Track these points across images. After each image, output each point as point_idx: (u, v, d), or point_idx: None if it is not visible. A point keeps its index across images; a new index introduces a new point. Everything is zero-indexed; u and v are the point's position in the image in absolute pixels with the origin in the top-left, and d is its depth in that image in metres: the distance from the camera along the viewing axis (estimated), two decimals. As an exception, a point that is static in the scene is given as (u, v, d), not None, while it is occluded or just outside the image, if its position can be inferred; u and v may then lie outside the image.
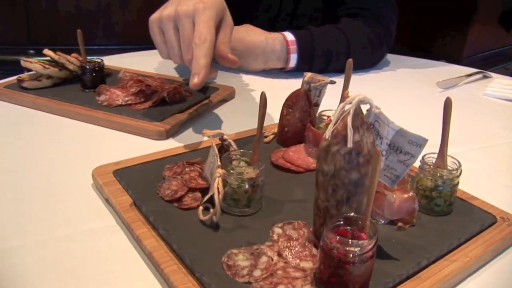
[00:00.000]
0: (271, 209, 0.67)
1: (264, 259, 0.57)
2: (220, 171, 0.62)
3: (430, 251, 0.60)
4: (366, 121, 0.56)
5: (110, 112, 0.96)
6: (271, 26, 1.38)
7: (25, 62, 1.06)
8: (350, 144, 0.55)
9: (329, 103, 0.85)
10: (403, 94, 1.23)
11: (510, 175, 0.87)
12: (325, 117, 0.82)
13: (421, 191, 0.69)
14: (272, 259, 0.57)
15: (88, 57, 1.08)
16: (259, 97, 0.64)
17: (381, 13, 1.37)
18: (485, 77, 1.39)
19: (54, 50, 1.07)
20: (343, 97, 0.82)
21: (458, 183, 0.69)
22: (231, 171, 0.64)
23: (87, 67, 1.05)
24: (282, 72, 1.32)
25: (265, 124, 0.94)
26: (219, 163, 0.63)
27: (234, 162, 0.66)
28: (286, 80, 1.28)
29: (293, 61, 1.27)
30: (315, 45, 1.26)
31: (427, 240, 0.63)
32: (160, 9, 0.91)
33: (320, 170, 0.58)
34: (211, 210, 0.65)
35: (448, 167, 0.69)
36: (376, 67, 1.41)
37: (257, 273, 0.55)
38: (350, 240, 0.52)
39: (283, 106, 0.84)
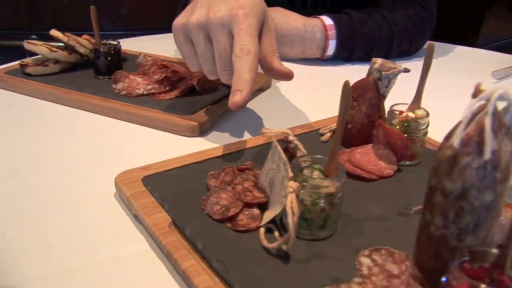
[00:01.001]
0: (347, 230, 0.51)
1: None
2: (293, 184, 0.46)
3: None
4: (504, 123, 0.40)
5: (130, 103, 0.79)
6: (303, 6, 1.22)
7: (29, 44, 0.89)
8: (487, 155, 0.39)
9: (397, 96, 0.69)
10: (458, 85, 1.07)
11: None
12: (397, 112, 0.65)
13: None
14: (371, 306, 0.41)
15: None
16: (343, 86, 0.47)
17: None
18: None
19: (63, 32, 0.90)
20: (420, 90, 0.66)
21: None
22: (304, 184, 0.48)
23: (102, 50, 0.88)
24: (318, 60, 1.15)
25: (313, 119, 0.79)
26: (290, 173, 0.47)
27: (305, 171, 0.50)
28: (324, 67, 1.11)
29: (331, 48, 1.10)
30: (356, 30, 1.10)
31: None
32: (185, 12, 0.71)
33: (440, 188, 0.41)
34: (276, 233, 0.49)
35: None
36: (418, 54, 1.24)
37: None
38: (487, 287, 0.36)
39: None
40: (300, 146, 0.54)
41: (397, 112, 0.65)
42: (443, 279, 0.39)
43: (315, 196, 0.48)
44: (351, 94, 0.66)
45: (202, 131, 0.74)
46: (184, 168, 0.60)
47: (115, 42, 0.90)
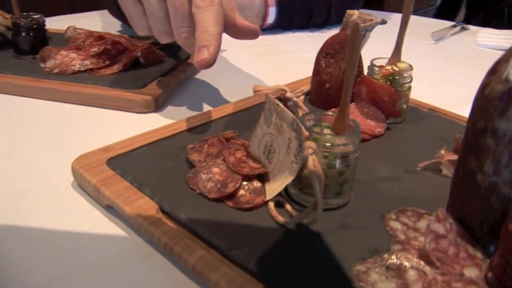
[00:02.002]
0: (361, 195, 0.44)
1: (412, 274, 0.34)
2: (311, 144, 0.37)
3: None
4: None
5: (67, 81, 0.66)
6: None
7: None
8: (548, 85, 0.33)
9: (374, 50, 0.63)
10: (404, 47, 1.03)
11: None
12: (377, 67, 0.58)
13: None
14: (424, 272, 0.34)
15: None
16: (352, 30, 0.39)
17: None
18: (463, 29, 1.26)
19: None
20: (399, 42, 0.60)
21: None
22: (317, 143, 0.39)
23: (22, 24, 0.73)
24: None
25: (274, 83, 0.71)
26: (305, 132, 0.38)
27: (315, 130, 0.41)
28: (265, 36, 1.03)
29: (271, 16, 1.02)
30: None
31: None
32: None
33: (490, 129, 0.35)
34: (288, 206, 0.41)
35: None
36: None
37: None
38: None
39: (318, 57, 0.60)
40: (301, 103, 0.46)
41: (377, 66, 0.59)
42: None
43: (331, 158, 0.40)
44: (325, 51, 0.59)
45: (157, 105, 0.63)
46: (153, 145, 0.50)
47: (37, 16, 0.75)
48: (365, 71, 0.60)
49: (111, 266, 0.37)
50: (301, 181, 0.40)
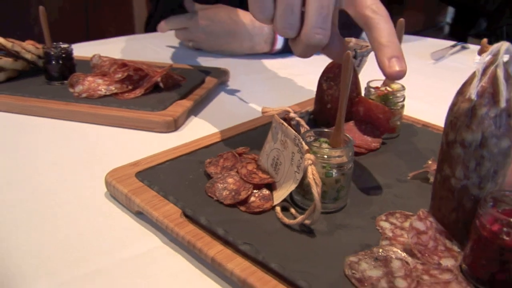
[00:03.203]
0: (357, 200, 0.51)
1: (396, 263, 0.41)
2: (310, 156, 0.45)
3: None
4: (510, 74, 0.42)
5: (94, 104, 0.74)
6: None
7: (-34, 53, 0.82)
8: (503, 104, 0.40)
9: (371, 73, 0.71)
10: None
11: None
12: (373, 89, 0.66)
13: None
14: (407, 262, 0.41)
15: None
16: (344, 59, 0.47)
17: None
18: (463, 48, 1.33)
19: (4, 37, 0.83)
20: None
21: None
22: (316, 156, 0.47)
23: (53, 53, 0.81)
24: (267, 54, 1.15)
25: (282, 104, 0.79)
26: (305, 146, 0.45)
27: (314, 145, 0.49)
28: (275, 60, 1.11)
29: (280, 42, 1.10)
30: None
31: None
32: None
33: (459, 141, 0.42)
34: (292, 210, 0.48)
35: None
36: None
37: (400, 284, 0.39)
38: None
39: (320, 80, 0.68)
40: (303, 122, 0.53)
41: (372, 89, 0.66)
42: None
43: (328, 167, 0.47)
44: (326, 75, 0.67)
45: (177, 126, 0.71)
46: (176, 160, 0.57)
47: (65, 45, 0.84)
48: (363, 92, 0.68)
49: (143, 261, 0.44)
50: (303, 188, 0.48)
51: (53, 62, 0.82)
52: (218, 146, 0.61)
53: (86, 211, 0.52)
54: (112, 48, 1.15)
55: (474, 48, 1.30)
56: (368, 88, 0.66)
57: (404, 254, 0.43)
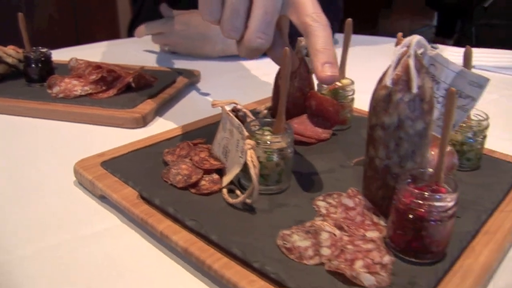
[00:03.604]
0: (301, 183, 0.57)
1: (325, 235, 0.47)
2: (250, 142, 0.50)
3: (482, 204, 0.54)
4: (424, 65, 0.47)
5: (70, 104, 0.80)
6: None
7: (-50, 58, 0.87)
8: (415, 89, 0.46)
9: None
10: (373, 69, 1.16)
11: (504, 128, 0.83)
12: (325, 84, 0.72)
13: (451, 147, 0.61)
14: (335, 234, 0.47)
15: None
16: (283, 55, 0.53)
17: None
18: (433, 48, 1.38)
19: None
20: (343, 62, 0.73)
21: (486, 135, 0.62)
22: (258, 142, 0.52)
23: (32, 56, 0.87)
24: (237, 56, 1.20)
25: (248, 101, 0.84)
26: (246, 133, 0.51)
27: (257, 132, 0.54)
28: (246, 61, 1.17)
29: None
30: None
31: (473, 194, 0.56)
32: None
33: (379, 124, 0.48)
34: (237, 191, 0.53)
35: (473, 118, 0.63)
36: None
37: (325, 252, 0.44)
38: (430, 194, 0.43)
39: (276, 78, 0.73)
40: (248, 113, 0.59)
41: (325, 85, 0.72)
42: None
43: (269, 152, 0.52)
44: None
45: (145, 122, 0.77)
46: (138, 151, 0.63)
47: (44, 50, 0.89)
48: (316, 88, 0.73)
49: (102, 237, 0.50)
50: (248, 172, 0.53)
51: (33, 65, 0.87)
52: (178, 139, 0.66)
53: (56, 195, 0.57)
54: (94, 52, 1.20)
55: (443, 48, 1.36)
56: (320, 84, 0.71)
57: (333, 228, 0.48)
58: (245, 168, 0.52)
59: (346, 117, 0.72)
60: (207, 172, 0.55)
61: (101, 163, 0.59)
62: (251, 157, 0.49)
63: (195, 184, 0.53)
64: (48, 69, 0.89)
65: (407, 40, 0.47)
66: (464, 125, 0.61)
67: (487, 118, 0.62)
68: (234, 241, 0.45)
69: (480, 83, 0.50)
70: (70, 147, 0.69)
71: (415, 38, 0.47)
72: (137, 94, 0.83)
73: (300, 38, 0.71)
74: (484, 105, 0.93)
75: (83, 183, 0.58)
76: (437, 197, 0.43)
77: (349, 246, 0.45)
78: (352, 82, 0.71)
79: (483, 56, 1.25)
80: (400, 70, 0.47)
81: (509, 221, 0.52)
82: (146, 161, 0.60)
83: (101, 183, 0.55)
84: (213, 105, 0.56)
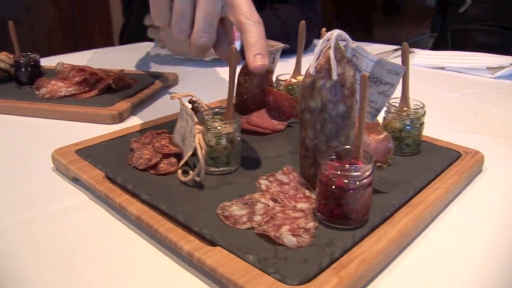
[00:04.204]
0: (250, 166, 0.64)
1: (260, 206, 0.54)
2: (199, 127, 0.58)
3: (413, 183, 0.60)
4: (345, 55, 0.55)
5: (56, 103, 0.88)
6: None
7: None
8: (335, 76, 0.53)
9: (283, 70, 0.84)
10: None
11: (458, 122, 0.90)
12: (283, 81, 0.79)
13: (391, 134, 0.68)
14: (268, 205, 0.54)
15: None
16: (229, 52, 0.60)
17: None
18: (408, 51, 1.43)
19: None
20: (298, 61, 0.80)
21: (423, 122, 0.69)
22: (208, 128, 0.60)
23: (22, 61, 0.96)
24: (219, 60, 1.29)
25: (217, 99, 0.91)
26: (196, 119, 0.58)
27: (208, 119, 0.62)
28: (223, 67, 1.24)
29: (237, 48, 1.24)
30: None
31: (407, 175, 0.62)
32: None
33: (306, 108, 0.55)
34: (191, 172, 0.60)
35: (412, 108, 0.69)
36: (308, 50, 1.41)
37: (257, 218, 0.51)
38: (348, 166, 0.50)
39: (239, 75, 0.81)
40: (203, 103, 0.66)
41: (282, 81, 0.79)
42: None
43: (218, 137, 0.60)
44: (243, 71, 0.80)
45: (122, 118, 0.85)
46: (110, 141, 0.70)
47: (33, 55, 0.98)
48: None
49: (73, 212, 0.57)
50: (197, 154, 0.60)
51: (23, 69, 0.96)
52: (145, 131, 0.73)
53: (36, 179, 0.65)
54: (89, 58, 1.30)
55: (416, 51, 1.43)
56: (277, 80, 0.79)
57: (268, 200, 0.55)
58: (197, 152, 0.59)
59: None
60: (166, 156, 0.62)
61: (75, 151, 0.67)
62: (198, 140, 0.56)
63: (154, 166, 0.61)
64: (37, 73, 0.97)
65: (328, 33, 0.54)
66: (403, 113, 0.68)
67: (423, 107, 0.69)
68: (180, 210, 0.52)
69: (397, 71, 0.57)
70: (52, 141, 0.76)
71: (335, 32, 0.54)
72: (116, 95, 0.91)
73: None
74: (445, 102, 1.01)
75: (58, 168, 0.66)
76: (353, 168, 0.50)
77: (279, 214, 0.52)
78: (306, 79, 0.79)
79: (452, 59, 1.32)
80: (322, 59, 0.54)
81: (433, 197, 0.58)
82: (116, 149, 0.67)
83: (73, 166, 0.63)
84: (172, 97, 0.64)
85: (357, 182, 0.50)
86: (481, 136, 0.83)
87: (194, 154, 0.58)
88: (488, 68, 1.23)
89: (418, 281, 0.48)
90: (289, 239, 0.48)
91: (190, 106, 0.64)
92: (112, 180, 0.60)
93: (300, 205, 0.54)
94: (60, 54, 1.30)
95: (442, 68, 1.30)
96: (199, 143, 0.56)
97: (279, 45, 0.79)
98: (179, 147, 0.64)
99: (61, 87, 0.90)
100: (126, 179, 0.59)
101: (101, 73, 0.92)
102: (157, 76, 1.04)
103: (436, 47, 1.98)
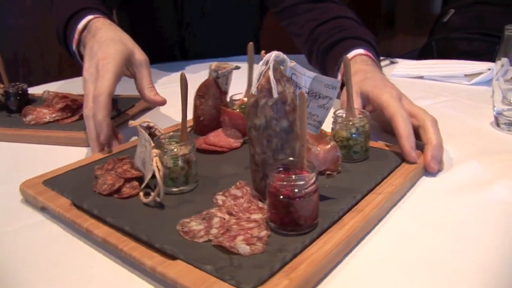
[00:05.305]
0: (207, 184, 0.60)
1: (216, 220, 0.51)
2: (155, 151, 0.54)
3: (360, 188, 0.57)
4: (284, 74, 0.51)
5: (38, 129, 0.85)
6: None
7: None
8: (275, 95, 0.50)
9: (237, 89, 0.79)
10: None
11: None
12: (236, 101, 0.75)
13: (339, 143, 0.65)
14: (224, 218, 0.50)
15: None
16: (180, 79, 0.57)
17: None
18: (392, 62, 1.28)
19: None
20: (250, 80, 0.75)
21: (368, 129, 0.66)
22: (165, 151, 0.56)
23: (11, 91, 0.93)
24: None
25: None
26: (152, 144, 0.54)
27: (164, 143, 0.58)
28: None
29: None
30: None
31: (355, 181, 0.59)
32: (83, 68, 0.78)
33: (252, 126, 0.52)
34: (152, 193, 0.56)
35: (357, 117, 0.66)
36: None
37: (214, 231, 0.49)
38: (293, 176, 0.48)
39: (194, 98, 0.76)
40: (160, 129, 0.62)
41: (236, 101, 0.75)
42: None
43: (174, 158, 0.56)
44: (198, 93, 0.75)
45: (97, 141, 0.80)
46: (76, 169, 0.66)
47: (22, 84, 0.95)
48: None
49: (38, 231, 0.53)
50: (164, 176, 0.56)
51: (12, 99, 0.92)
52: (109, 158, 0.68)
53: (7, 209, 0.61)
54: (62, 88, 1.22)
55: (400, 61, 1.27)
56: (231, 100, 0.75)
57: (224, 214, 0.51)
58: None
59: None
60: (128, 180, 0.58)
61: (43, 182, 0.62)
62: (156, 163, 0.53)
63: (117, 191, 0.57)
64: (25, 101, 0.94)
65: (267, 56, 0.51)
66: (349, 123, 0.65)
67: (366, 116, 0.66)
68: (143, 230, 0.49)
69: (334, 85, 0.54)
70: (29, 167, 0.73)
71: (273, 54, 0.51)
72: None
73: (211, 63, 0.75)
74: None
75: (27, 198, 0.61)
76: (298, 177, 0.47)
77: (234, 226, 0.49)
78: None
79: (431, 67, 1.17)
80: (263, 80, 0.50)
81: (379, 198, 0.56)
82: (81, 177, 0.63)
83: (41, 196, 0.59)
84: (130, 124, 0.60)
85: (303, 191, 0.47)
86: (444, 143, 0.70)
87: (154, 176, 0.54)
88: (466, 75, 1.09)
89: (366, 280, 0.45)
90: (243, 248, 0.45)
91: (147, 131, 0.60)
92: (78, 207, 0.56)
93: (253, 216, 0.51)
94: (69, 78, 1.25)
95: (421, 77, 1.15)
96: (157, 166, 0.52)
97: (230, 67, 0.75)
98: (141, 171, 0.60)
99: (45, 114, 0.88)
100: (91, 205, 0.55)
101: (81, 100, 0.88)
102: (137, 99, 0.99)
103: (421, 56, 1.78)
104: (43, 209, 0.59)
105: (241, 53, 1.15)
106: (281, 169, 0.50)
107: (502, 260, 0.47)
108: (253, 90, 0.50)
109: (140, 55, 0.80)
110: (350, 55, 0.87)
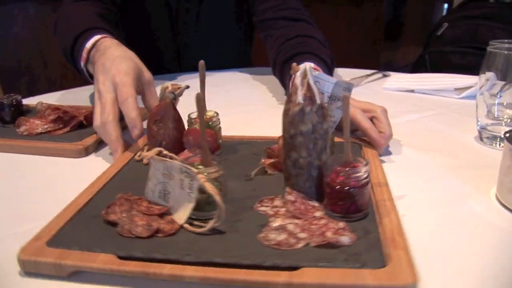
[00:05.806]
0: (225, 200, 0.28)
1: (291, 226, 0.27)
2: (201, 176, 0.25)
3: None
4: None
5: (31, 139, 0.45)
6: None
7: None
8: (318, 101, 0.23)
9: (185, 107, 0.42)
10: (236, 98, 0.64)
11: (407, 143, 0.44)
12: (193, 119, 0.40)
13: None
14: (297, 224, 0.26)
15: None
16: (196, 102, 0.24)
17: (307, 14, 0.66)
18: (384, 76, 0.70)
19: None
20: (199, 97, 0.39)
21: (333, 137, 0.35)
22: (205, 175, 0.26)
23: (5, 102, 0.48)
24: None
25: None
26: (195, 170, 0.25)
27: (198, 167, 0.28)
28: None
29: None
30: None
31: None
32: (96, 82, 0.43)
33: (298, 132, 0.26)
34: (195, 222, 0.28)
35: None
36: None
37: (302, 235, 0.26)
38: (357, 168, 0.27)
39: (149, 125, 0.40)
40: (175, 156, 0.31)
41: (194, 119, 0.39)
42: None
43: (213, 182, 0.27)
44: (153, 119, 0.38)
45: (87, 152, 0.44)
46: (72, 220, 0.29)
47: (16, 96, 0.50)
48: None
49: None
50: (198, 203, 0.27)
51: (6, 110, 0.48)
52: (102, 194, 0.33)
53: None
54: (87, 94, 0.67)
55: (392, 74, 0.70)
56: (190, 119, 0.40)
57: (292, 219, 0.27)
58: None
59: (218, 143, 0.41)
60: (160, 216, 0.28)
61: (47, 243, 0.27)
62: (210, 187, 0.25)
63: (158, 230, 0.27)
64: (19, 112, 0.50)
65: (302, 66, 0.24)
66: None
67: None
68: (235, 255, 0.24)
69: (349, 88, 0.30)
70: (24, 178, 0.38)
71: (308, 65, 0.25)
72: (86, 130, 0.47)
73: (165, 85, 0.40)
74: (401, 124, 0.50)
75: (39, 270, 0.26)
76: (359, 169, 0.27)
77: (313, 226, 0.26)
78: (217, 114, 0.41)
79: (422, 81, 0.65)
80: (304, 89, 0.24)
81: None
82: (88, 226, 0.29)
83: (68, 259, 0.26)
84: (140, 156, 0.28)
85: (364, 180, 0.27)
86: (424, 154, 0.41)
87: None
88: (456, 89, 0.59)
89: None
90: (345, 239, 0.25)
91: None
92: (127, 258, 0.25)
93: (316, 214, 0.28)
94: (72, 87, 0.69)
95: (412, 91, 0.62)
96: (211, 189, 0.24)
97: (183, 86, 0.40)
98: (160, 204, 0.29)
99: (38, 125, 0.46)
100: (145, 250, 0.25)
101: (72, 111, 0.48)
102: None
103: (415, 70, 1.11)
104: (71, 275, 0.26)
105: (233, 66, 0.75)
106: (337, 166, 0.27)
107: (476, 273, 0.25)
108: (300, 99, 0.23)
109: (148, 74, 0.46)
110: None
